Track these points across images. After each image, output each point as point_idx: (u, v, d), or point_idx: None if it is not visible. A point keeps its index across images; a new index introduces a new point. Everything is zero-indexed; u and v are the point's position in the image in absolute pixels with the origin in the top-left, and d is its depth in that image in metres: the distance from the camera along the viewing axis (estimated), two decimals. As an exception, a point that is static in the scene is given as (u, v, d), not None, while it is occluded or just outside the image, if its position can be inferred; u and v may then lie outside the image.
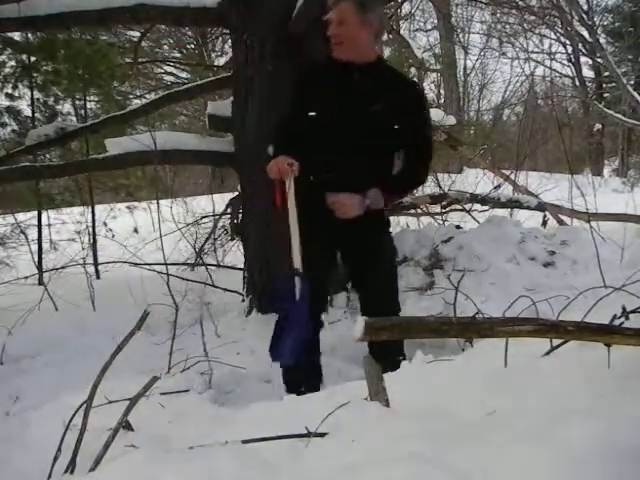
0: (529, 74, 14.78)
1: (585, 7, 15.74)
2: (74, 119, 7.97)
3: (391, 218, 2.93)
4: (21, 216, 7.45)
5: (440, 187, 6.26)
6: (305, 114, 2.39)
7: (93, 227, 7.37)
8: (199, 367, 2.79)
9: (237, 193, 5.12)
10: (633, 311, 1.48)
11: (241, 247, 4.59)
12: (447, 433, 1.08)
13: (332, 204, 2.32)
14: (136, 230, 8.57)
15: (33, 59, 6.66)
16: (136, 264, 5.06)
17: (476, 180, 6.99)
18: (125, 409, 1.47)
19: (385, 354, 1.89)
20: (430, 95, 13.45)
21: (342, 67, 2.38)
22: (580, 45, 17.66)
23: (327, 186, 2.35)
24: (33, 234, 7.29)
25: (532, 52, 17.80)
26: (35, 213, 7.32)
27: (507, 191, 6.64)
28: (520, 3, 9.57)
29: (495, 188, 6.29)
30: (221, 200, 6.72)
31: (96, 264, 6.71)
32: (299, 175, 2.31)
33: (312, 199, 2.32)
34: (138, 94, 8.45)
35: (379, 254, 2.51)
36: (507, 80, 28.60)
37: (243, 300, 4.02)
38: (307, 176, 2.34)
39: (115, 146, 4.32)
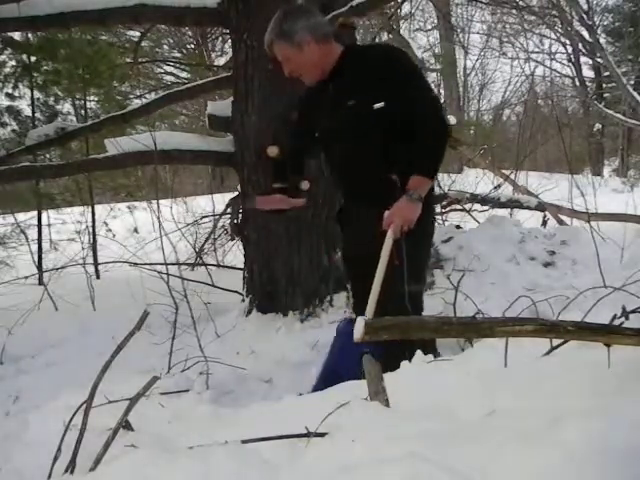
0: (529, 74, 14.80)
1: (585, 7, 15.72)
2: (74, 119, 7.97)
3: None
4: (21, 216, 7.45)
5: (440, 187, 6.25)
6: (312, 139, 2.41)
7: (93, 227, 7.37)
8: (199, 367, 2.80)
9: (237, 193, 5.12)
10: (633, 311, 1.48)
11: (241, 247, 4.58)
12: (447, 433, 1.08)
13: (393, 221, 2.04)
14: (136, 230, 8.57)
15: (33, 59, 6.67)
16: (136, 264, 5.05)
17: (476, 180, 6.99)
18: (125, 409, 1.47)
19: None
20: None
21: (320, 86, 2.30)
22: (580, 45, 17.68)
23: (353, 200, 2.34)
24: (33, 234, 7.29)
25: (532, 52, 17.90)
26: (35, 213, 7.33)
27: (507, 191, 6.65)
28: (520, 3, 9.59)
29: (495, 188, 6.30)
30: (221, 200, 6.73)
31: (96, 264, 6.72)
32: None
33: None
34: (138, 94, 8.44)
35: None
36: (507, 80, 28.68)
37: (243, 300, 4.02)
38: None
39: (115, 146, 4.31)
